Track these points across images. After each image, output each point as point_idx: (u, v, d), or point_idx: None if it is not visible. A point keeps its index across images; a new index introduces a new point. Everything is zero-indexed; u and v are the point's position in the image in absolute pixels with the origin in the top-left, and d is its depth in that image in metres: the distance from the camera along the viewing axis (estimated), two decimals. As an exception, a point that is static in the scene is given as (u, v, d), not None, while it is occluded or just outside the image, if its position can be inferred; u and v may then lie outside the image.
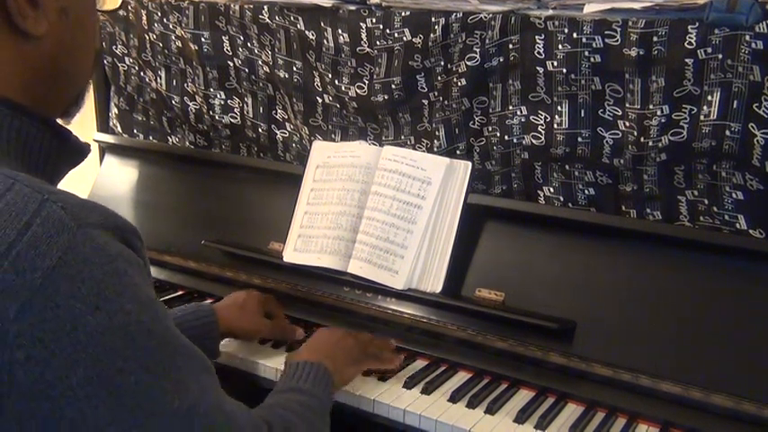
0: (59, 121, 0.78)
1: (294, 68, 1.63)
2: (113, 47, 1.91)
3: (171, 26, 1.78)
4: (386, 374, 1.28)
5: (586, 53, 1.29)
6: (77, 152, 0.78)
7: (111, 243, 0.64)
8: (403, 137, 1.56)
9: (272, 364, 1.31)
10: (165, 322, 0.69)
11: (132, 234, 0.68)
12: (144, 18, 1.81)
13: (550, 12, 1.32)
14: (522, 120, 1.41)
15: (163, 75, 1.86)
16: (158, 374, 0.66)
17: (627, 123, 1.30)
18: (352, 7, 1.51)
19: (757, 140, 1.19)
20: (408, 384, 1.25)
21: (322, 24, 1.55)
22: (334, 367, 1.14)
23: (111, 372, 0.62)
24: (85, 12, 0.78)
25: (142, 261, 0.69)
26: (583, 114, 1.34)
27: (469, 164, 1.37)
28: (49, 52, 0.73)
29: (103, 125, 2.01)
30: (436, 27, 1.41)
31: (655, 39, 1.22)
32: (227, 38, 1.71)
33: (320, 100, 1.63)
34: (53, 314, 0.59)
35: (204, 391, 0.71)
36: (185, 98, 1.84)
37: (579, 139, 1.36)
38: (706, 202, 1.29)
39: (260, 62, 1.69)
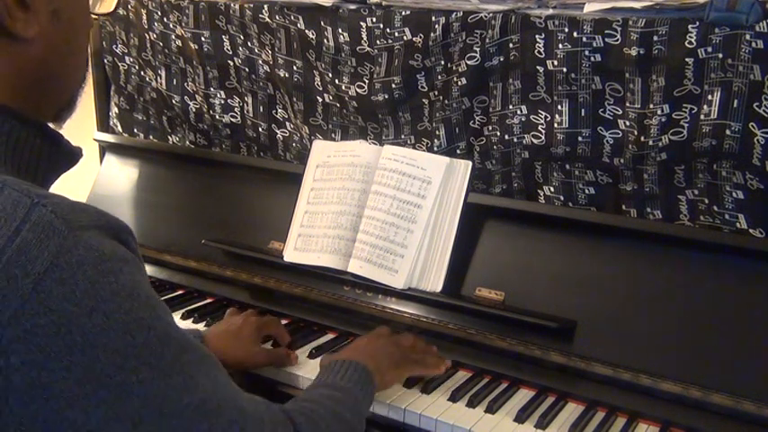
0: (51, 125, 0.76)
1: (294, 68, 1.63)
2: (113, 46, 1.92)
3: (171, 25, 1.78)
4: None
5: (587, 52, 1.29)
6: (69, 156, 0.77)
7: (104, 242, 0.63)
8: (403, 136, 1.56)
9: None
10: (167, 318, 0.68)
11: (126, 233, 0.67)
12: (144, 17, 1.81)
13: (551, 11, 1.32)
14: (523, 119, 1.41)
15: (163, 74, 1.86)
16: (163, 371, 0.65)
17: (627, 123, 1.30)
18: (353, 6, 1.51)
19: (757, 140, 1.19)
20: (408, 384, 1.25)
21: (322, 24, 1.54)
22: (376, 368, 1.09)
23: (111, 371, 0.61)
24: (78, 14, 0.76)
25: (138, 258, 0.68)
26: (583, 114, 1.34)
27: (470, 163, 1.37)
28: (39, 55, 0.72)
29: (104, 124, 2.02)
30: (436, 26, 1.41)
31: (655, 38, 1.22)
32: (227, 37, 1.71)
33: (320, 99, 1.63)
34: (47, 319, 0.58)
35: (216, 387, 0.70)
36: (185, 97, 1.84)
37: (579, 139, 1.36)
38: (706, 201, 1.29)
39: (260, 61, 1.69)
